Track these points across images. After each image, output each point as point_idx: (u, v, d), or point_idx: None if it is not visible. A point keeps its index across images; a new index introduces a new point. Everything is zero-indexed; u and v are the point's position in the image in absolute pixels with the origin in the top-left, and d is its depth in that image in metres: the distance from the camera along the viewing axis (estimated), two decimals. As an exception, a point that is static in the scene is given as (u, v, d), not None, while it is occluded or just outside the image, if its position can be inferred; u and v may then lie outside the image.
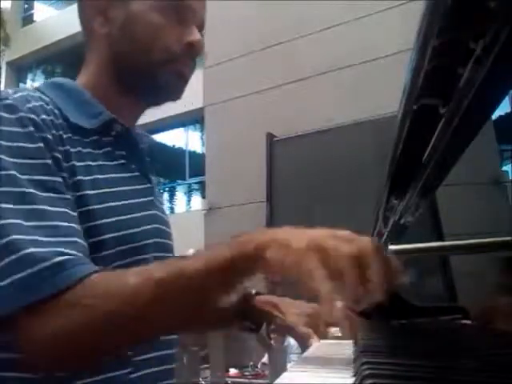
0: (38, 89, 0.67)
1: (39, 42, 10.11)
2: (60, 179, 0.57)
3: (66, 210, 0.55)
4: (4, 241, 0.49)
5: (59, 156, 0.59)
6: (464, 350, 0.57)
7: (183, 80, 0.72)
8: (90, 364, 0.55)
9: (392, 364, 0.46)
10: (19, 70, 11.06)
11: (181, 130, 9.97)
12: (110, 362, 0.59)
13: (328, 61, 4.99)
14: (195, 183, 9.89)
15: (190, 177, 9.89)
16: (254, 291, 0.84)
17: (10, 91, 0.62)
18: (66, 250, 0.51)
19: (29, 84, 10.92)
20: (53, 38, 9.84)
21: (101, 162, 0.66)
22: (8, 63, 10.64)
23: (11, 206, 0.51)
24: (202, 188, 8.06)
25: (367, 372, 0.41)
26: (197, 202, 9.25)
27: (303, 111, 4.87)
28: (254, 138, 4.85)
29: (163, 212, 0.76)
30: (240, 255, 0.50)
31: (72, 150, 0.62)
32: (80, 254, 0.53)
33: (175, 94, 0.73)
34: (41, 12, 11.48)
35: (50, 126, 0.60)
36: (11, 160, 0.54)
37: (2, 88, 10.36)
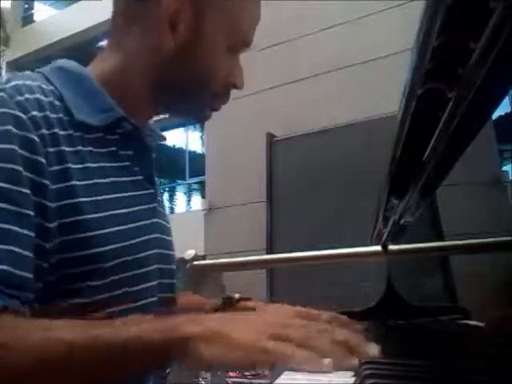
0: (42, 73, 0.61)
1: (39, 42, 10.11)
2: (25, 190, 0.50)
3: (12, 228, 0.49)
4: None
5: (42, 160, 0.53)
6: (464, 350, 0.57)
7: (215, 110, 0.71)
8: None
9: (392, 364, 0.46)
10: (19, 69, 11.05)
11: (181, 129, 9.98)
12: None
13: (328, 61, 4.99)
14: (195, 183, 9.89)
15: (190, 177, 9.89)
16: (237, 295, 0.81)
17: (5, 78, 0.56)
18: None
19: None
20: (53, 38, 9.84)
21: (102, 164, 0.60)
22: (8, 63, 10.64)
23: None
24: (202, 188, 8.07)
25: (367, 372, 0.41)
26: (197, 202, 9.25)
27: (303, 111, 4.87)
28: (254, 138, 4.84)
29: (164, 218, 0.72)
30: (158, 343, 0.44)
31: (68, 149, 0.56)
32: None
33: (202, 120, 0.73)
34: (41, 12, 11.48)
35: (39, 123, 0.54)
36: None
37: (2, 88, 10.36)
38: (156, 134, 0.74)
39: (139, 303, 0.60)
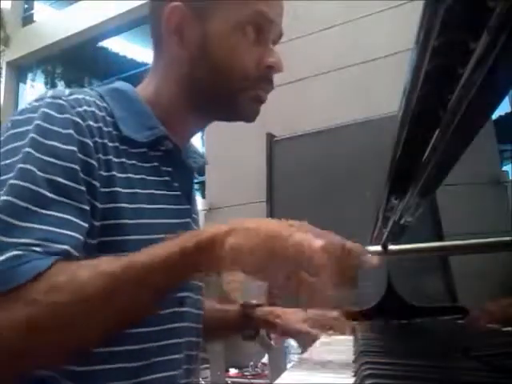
0: (98, 92, 0.67)
1: (39, 42, 10.11)
2: (82, 187, 0.56)
3: (70, 218, 0.53)
4: None
5: (94, 163, 0.58)
6: (463, 350, 0.57)
7: (260, 103, 0.70)
8: (44, 362, 0.51)
9: (392, 364, 0.46)
10: (19, 69, 11.06)
11: (181, 130, 9.97)
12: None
13: (328, 61, 4.99)
14: (195, 183, 9.89)
15: (190, 177, 9.89)
16: (254, 302, 0.86)
17: (67, 92, 0.62)
18: (30, 241, 0.48)
19: (29, 84, 10.93)
20: (53, 37, 9.83)
21: (144, 176, 0.64)
22: (8, 63, 10.64)
23: (16, 200, 0.50)
24: (202, 188, 8.07)
25: (367, 372, 0.41)
26: (197, 202, 9.25)
27: (303, 111, 4.88)
28: (254, 138, 4.85)
29: None
30: (189, 248, 0.49)
31: (115, 159, 0.61)
32: (45, 244, 0.49)
33: (251, 118, 0.71)
34: (41, 12, 11.48)
35: (94, 132, 0.59)
36: (37, 155, 0.54)
37: (2, 88, 10.36)
38: (199, 156, 0.78)
39: (167, 311, 0.63)
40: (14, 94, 10.67)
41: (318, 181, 3.88)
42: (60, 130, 0.57)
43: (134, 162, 0.64)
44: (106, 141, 0.61)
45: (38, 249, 0.49)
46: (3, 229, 0.49)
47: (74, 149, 0.56)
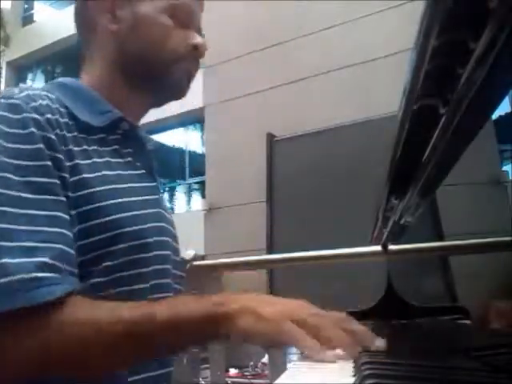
0: (43, 89, 0.67)
1: (39, 42, 10.11)
2: (57, 181, 0.57)
3: (58, 214, 0.55)
4: None
5: (61, 156, 0.59)
6: (463, 350, 0.57)
7: (189, 78, 0.75)
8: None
9: (392, 364, 0.46)
10: (19, 69, 11.06)
11: (181, 129, 9.97)
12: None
13: (328, 61, 4.98)
14: (195, 183, 9.89)
15: (190, 177, 9.89)
16: None
17: (16, 90, 0.62)
18: (47, 260, 0.50)
19: (29, 84, 10.92)
20: (53, 37, 9.83)
21: (108, 159, 0.66)
22: (8, 63, 10.64)
23: (2, 208, 0.51)
24: (202, 188, 8.07)
25: (367, 372, 0.41)
26: (197, 202, 9.24)
27: (303, 111, 4.87)
28: (254, 138, 4.84)
29: (168, 211, 0.76)
30: (211, 318, 0.53)
31: (76, 148, 0.62)
32: (61, 266, 0.52)
33: (181, 92, 0.75)
34: (41, 12, 11.47)
35: (53, 125, 0.60)
36: (8, 161, 0.54)
37: (2, 88, 10.36)
38: (148, 137, 0.79)
39: (152, 282, 0.65)
40: (14, 94, 10.65)
41: (318, 181, 3.88)
42: (20, 131, 0.57)
43: (95, 147, 0.65)
44: (64, 132, 0.61)
45: (48, 260, 0.50)
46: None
47: (41, 146, 0.57)
